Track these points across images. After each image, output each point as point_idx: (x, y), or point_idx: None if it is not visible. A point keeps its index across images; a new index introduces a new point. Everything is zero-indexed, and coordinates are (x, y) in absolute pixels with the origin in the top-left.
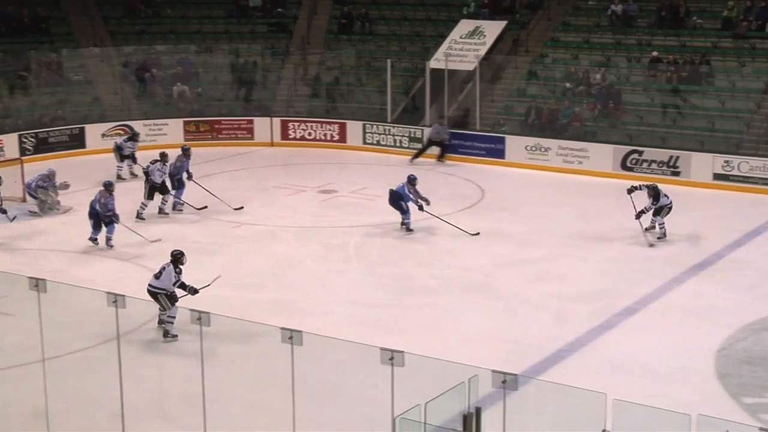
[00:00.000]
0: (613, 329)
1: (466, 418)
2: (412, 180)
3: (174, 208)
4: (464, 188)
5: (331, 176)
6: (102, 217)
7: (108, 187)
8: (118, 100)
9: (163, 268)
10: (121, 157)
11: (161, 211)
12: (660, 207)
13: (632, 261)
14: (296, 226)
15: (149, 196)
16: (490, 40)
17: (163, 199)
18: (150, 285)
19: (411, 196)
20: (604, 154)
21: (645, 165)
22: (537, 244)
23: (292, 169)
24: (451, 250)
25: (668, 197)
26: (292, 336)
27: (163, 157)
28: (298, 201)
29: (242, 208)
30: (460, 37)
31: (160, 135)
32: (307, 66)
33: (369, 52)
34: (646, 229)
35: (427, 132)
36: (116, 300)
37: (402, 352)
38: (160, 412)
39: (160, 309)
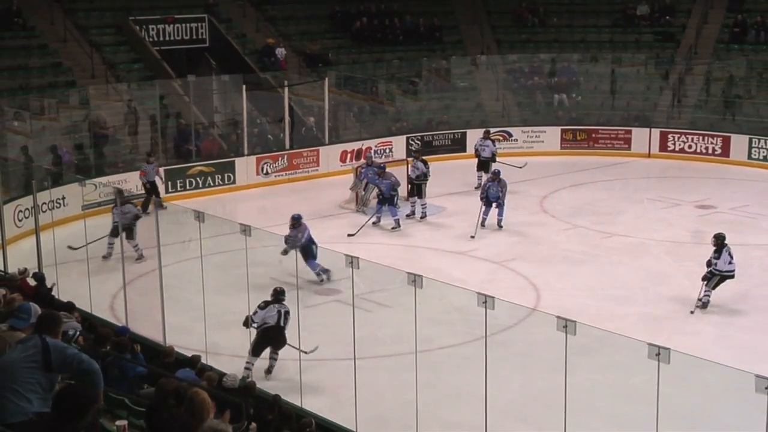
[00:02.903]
0: None
1: None
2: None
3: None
4: None
5: (710, 191)
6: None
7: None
8: (499, 107)
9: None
10: (480, 165)
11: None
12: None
13: None
14: (669, 241)
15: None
16: None
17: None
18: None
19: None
20: None
21: None
22: None
23: (669, 182)
24: None
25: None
26: (659, 352)
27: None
28: (673, 215)
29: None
30: None
31: (537, 142)
32: (693, 76)
33: (762, 63)
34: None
35: None
36: (486, 301)
37: None
38: (521, 414)
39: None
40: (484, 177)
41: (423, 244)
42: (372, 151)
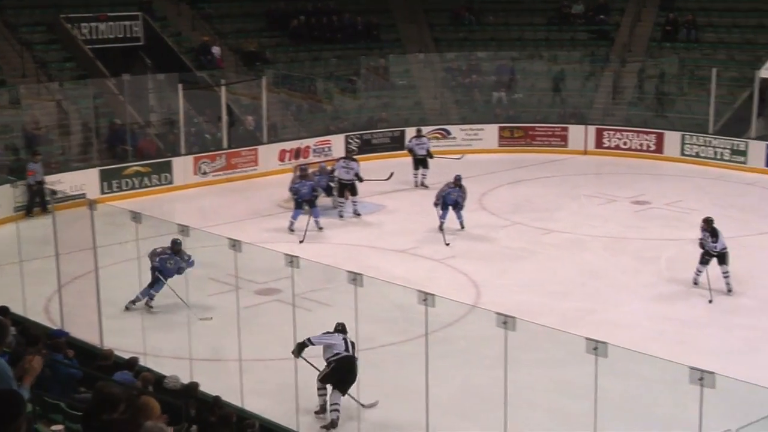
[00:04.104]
0: None
1: None
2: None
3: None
4: None
5: (645, 187)
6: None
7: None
8: (437, 105)
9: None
10: (415, 163)
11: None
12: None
13: None
14: (606, 236)
15: (340, 194)
16: None
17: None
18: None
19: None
20: None
21: None
22: None
23: (605, 178)
24: None
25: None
26: (597, 347)
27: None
28: (610, 211)
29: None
30: None
31: (475, 140)
32: (627, 74)
33: (693, 60)
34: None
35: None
36: (426, 298)
37: (713, 373)
38: (462, 410)
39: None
40: (422, 173)
41: (363, 243)
42: (323, 164)
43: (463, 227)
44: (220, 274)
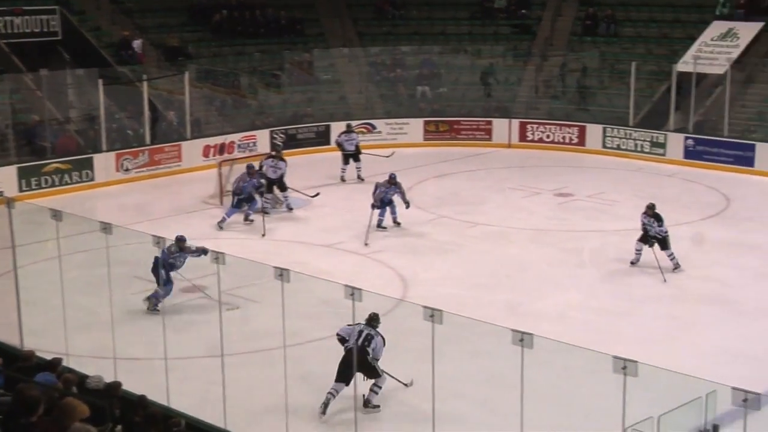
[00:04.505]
0: None
1: None
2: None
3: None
4: (708, 196)
5: (568, 179)
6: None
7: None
8: (362, 99)
9: (370, 337)
10: (345, 158)
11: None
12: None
13: None
14: (531, 229)
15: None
16: (744, 43)
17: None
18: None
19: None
20: None
21: None
22: None
23: (529, 171)
24: (692, 259)
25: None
26: (523, 338)
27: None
28: (534, 203)
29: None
30: (711, 40)
31: (400, 134)
32: (549, 68)
33: (613, 54)
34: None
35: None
36: (353, 293)
37: (635, 362)
38: (391, 402)
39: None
40: (356, 166)
41: (290, 238)
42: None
43: (398, 223)
44: (144, 272)
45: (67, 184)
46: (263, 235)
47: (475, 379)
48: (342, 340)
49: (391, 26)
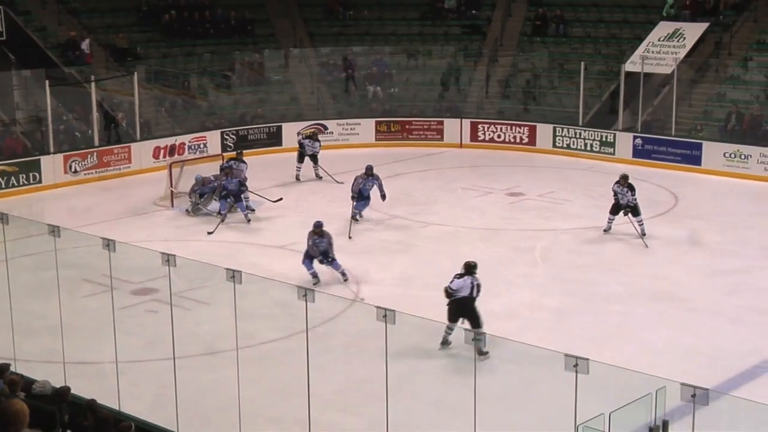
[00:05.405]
0: None
1: (651, 431)
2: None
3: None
4: (657, 195)
5: (519, 179)
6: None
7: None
8: (314, 100)
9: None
10: (301, 157)
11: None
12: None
13: None
14: (483, 228)
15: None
16: (690, 43)
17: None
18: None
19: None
20: None
21: None
22: (734, 255)
23: (481, 170)
24: (642, 257)
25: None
26: (475, 337)
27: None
28: (486, 203)
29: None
30: (659, 40)
31: (352, 134)
32: (499, 68)
33: (562, 55)
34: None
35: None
36: (306, 294)
37: (587, 359)
38: (345, 404)
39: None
40: (313, 166)
41: (242, 240)
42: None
43: (361, 216)
44: (93, 275)
45: (13, 186)
46: (210, 233)
47: (429, 379)
48: (451, 293)
49: (342, 27)
